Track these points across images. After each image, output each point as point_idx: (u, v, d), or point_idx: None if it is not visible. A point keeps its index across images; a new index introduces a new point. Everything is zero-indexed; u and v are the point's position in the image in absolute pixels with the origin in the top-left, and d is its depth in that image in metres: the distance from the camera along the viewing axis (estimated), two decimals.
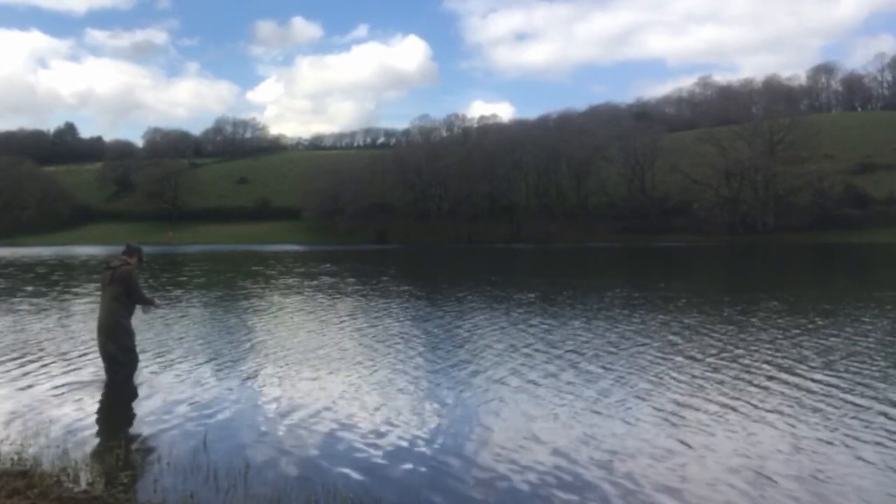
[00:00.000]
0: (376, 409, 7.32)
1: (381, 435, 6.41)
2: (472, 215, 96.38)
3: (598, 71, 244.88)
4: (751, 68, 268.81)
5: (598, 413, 7.09)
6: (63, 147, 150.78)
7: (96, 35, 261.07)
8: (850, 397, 7.61)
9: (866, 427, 6.54)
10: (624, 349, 10.65)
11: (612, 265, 40.53)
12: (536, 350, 10.63)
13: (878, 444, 6.06)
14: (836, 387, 8.09)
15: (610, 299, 18.05)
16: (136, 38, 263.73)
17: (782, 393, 7.87)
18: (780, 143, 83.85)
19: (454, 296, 19.36)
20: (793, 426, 6.60)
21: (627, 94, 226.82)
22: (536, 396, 7.79)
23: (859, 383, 8.24)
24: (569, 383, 8.39)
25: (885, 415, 6.93)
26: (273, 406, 7.42)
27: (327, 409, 7.29)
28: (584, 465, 5.61)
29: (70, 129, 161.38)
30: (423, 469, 5.58)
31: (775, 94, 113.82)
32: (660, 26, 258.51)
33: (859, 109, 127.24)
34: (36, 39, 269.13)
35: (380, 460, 5.77)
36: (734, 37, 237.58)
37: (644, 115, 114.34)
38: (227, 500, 4.95)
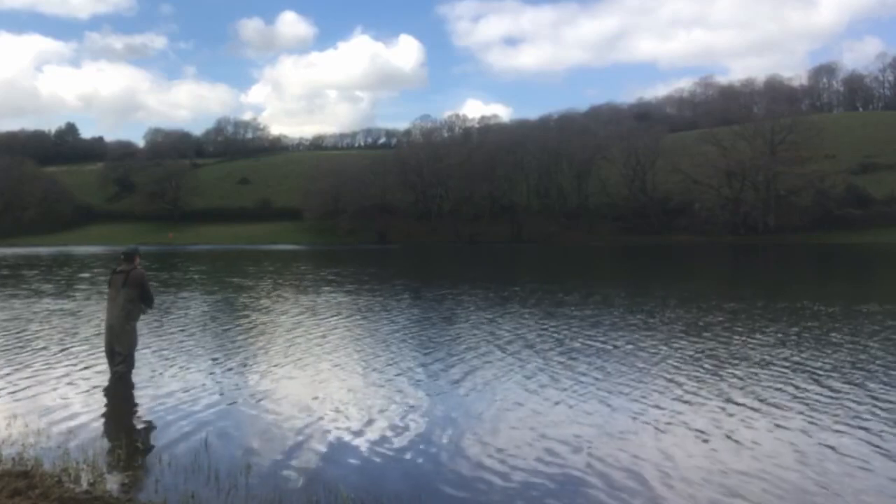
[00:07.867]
0: (377, 409, 7.33)
1: (382, 435, 6.42)
2: (473, 216, 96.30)
3: (590, 74, 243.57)
4: (741, 71, 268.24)
5: (598, 410, 7.10)
6: (64, 147, 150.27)
7: (97, 39, 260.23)
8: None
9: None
10: (622, 348, 10.66)
11: (611, 266, 40.49)
12: (537, 349, 10.63)
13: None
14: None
15: (608, 299, 18.06)
16: (135, 42, 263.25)
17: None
18: (781, 143, 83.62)
19: (453, 296, 19.35)
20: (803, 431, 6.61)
21: (620, 97, 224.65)
22: (537, 396, 7.78)
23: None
24: (568, 382, 8.40)
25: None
26: (274, 407, 7.43)
27: (328, 409, 7.30)
28: (584, 463, 5.62)
29: (71, 129, 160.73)
30: (424, 469, 5.59)
31: (776, 94, 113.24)
32: (647, 31, 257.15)
33: (861, 109, 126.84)
34: (38, 43, 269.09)
35: (381, 461, 5.78)
36: (722, 41, 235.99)
37: (645, 116, 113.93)
38: (228, 500, 4.96)
